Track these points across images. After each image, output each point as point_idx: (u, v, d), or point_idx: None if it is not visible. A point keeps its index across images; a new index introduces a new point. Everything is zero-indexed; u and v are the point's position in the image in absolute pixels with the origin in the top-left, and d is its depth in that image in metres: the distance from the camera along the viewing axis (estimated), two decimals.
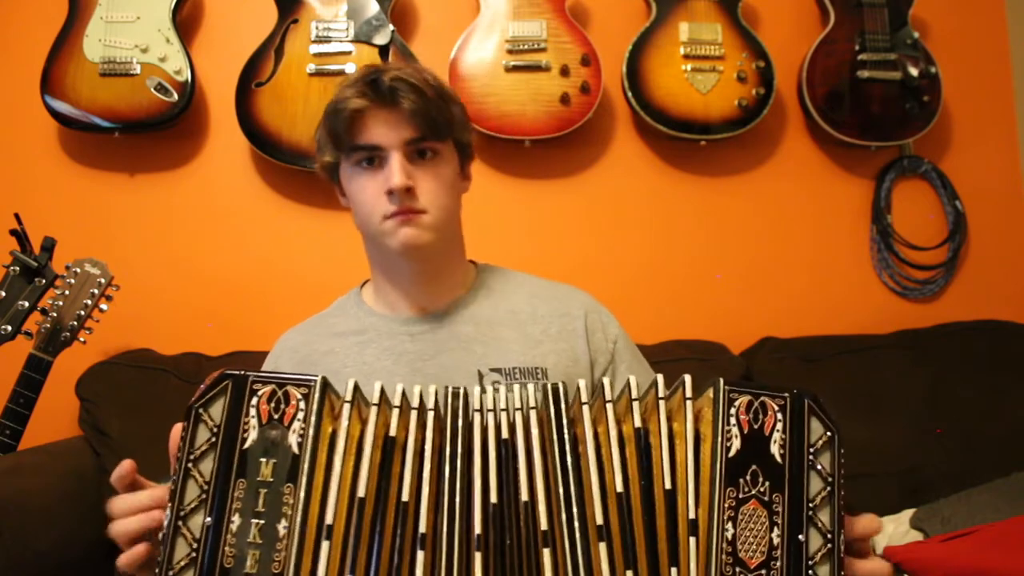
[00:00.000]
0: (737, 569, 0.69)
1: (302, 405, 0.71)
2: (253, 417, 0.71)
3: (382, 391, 0.74)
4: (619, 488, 0.71)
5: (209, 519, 0.68)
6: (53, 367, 1.57)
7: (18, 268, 1.57)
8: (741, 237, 2.05)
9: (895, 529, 1.52)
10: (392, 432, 0.72)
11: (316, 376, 0.72)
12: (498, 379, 1.02)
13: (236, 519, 0.68)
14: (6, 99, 1.93)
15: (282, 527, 0.68)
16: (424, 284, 1.09)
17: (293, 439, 0.70)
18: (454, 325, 1.08)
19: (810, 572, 0.70)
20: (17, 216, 1.58)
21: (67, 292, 1.58)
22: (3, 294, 1.55)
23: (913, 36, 1.99)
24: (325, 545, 0.68)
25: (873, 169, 2.09)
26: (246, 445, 0.70)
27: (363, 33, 1.87)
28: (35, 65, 1.81)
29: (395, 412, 0.73)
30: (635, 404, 0.74)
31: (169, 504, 0.69)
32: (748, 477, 0.71)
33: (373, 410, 0.72)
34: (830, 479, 0.72)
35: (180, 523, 0.68)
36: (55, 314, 1.57)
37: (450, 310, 1.09)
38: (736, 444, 0.72)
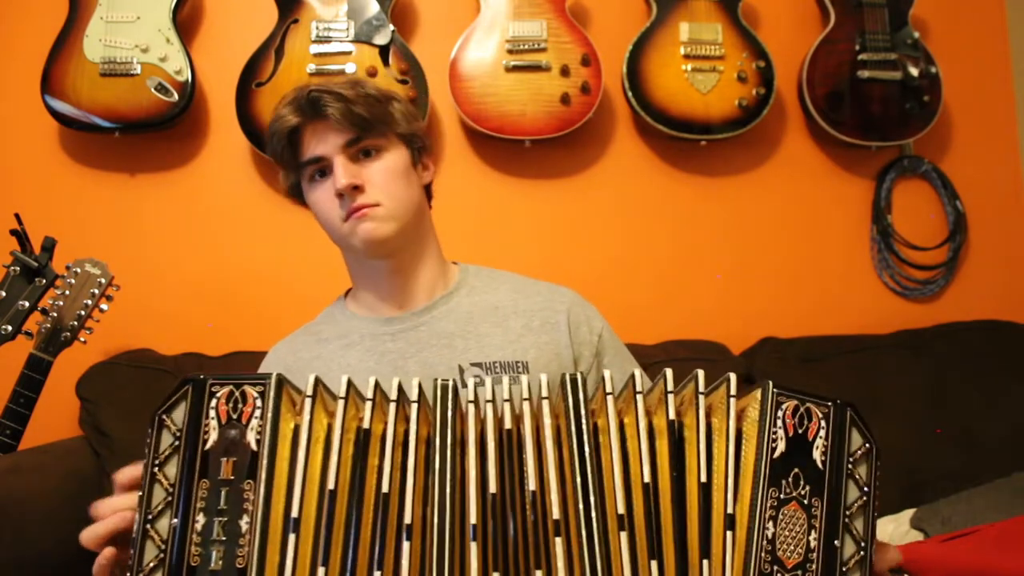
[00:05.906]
0: (775, 567, 0.70)
1: (259, 403, 0.72)
2: (213, 419, 0.72)
3: (349, 383, 0.74)
4: (646, 478, 0.72)
5: (176, 520, 0.70)
6: (53, 367, 1.57)
7: (18, 268, 1.57)
8: (741, 237, 2.05)
9: (895, 529, 1.52)
10: (366, 424, 0.73)
11: (271, 374, 0.73)
12: (479, 373, 1.04)
13: (200, 518, 0.70)
14: (6, 99, 1.93)
15: (244, 523, 0.69)
16: (399, 282, 1.11)
17: (251, 436, 0.71)
18: (434, 322, 1.09)
19: None
20: (17, 216, 1.58)
21: (67, 292, 1.58)
22: (3, 294, 1.55)
23: (913, 36, 1.99)
24: (292, 538, 0.69)
25: (873, 169, 2.09)
26: (207, 446, 0.71)
27: (363, 33, 1.87)
28: (35, 65, 1.81)
29: (367, 405, 0.73)
30: (670, 397, 0.75)
31: (137, 509, 0.71)
32: (791, 479, 0.73)
33: (340, 404, 0.73)
34: (866, 489, 0.74)
35: (148, 526, 0.70)
36: (55, 314, 1.57)
37: (430, 308, 1.11)
38: (781, 446, 0.73)
